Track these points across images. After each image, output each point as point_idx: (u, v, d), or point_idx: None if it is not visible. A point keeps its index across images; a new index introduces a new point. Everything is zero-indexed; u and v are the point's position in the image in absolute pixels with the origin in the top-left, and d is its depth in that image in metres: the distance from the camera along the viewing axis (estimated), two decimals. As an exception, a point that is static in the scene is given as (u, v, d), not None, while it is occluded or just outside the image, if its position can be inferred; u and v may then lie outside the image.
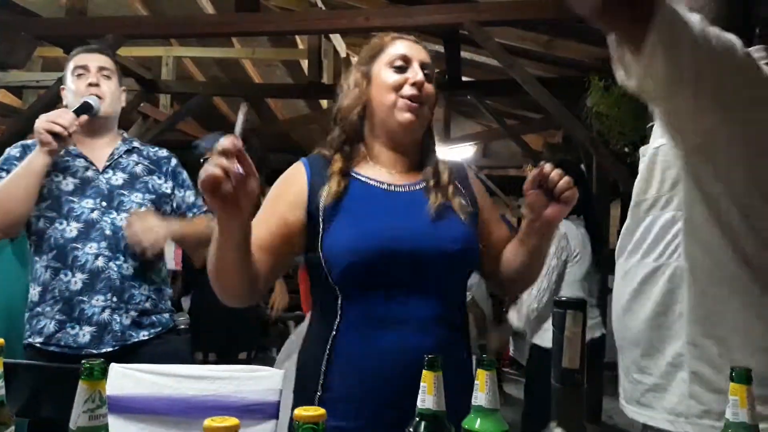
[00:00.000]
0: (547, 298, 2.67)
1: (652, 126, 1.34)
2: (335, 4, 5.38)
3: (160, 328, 1.96)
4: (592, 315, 2.91)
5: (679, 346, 1.18)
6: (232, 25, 4.29)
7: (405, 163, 1.35)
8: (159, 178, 2.03)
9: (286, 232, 1.25)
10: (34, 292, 1.89)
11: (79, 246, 1.85)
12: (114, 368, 1.53)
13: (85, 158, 1.95)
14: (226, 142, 1.00)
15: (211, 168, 0.98)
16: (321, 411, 0.64)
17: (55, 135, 1.78)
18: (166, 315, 2.00)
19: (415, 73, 1.30)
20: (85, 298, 1.83)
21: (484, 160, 9.58)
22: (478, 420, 0.90)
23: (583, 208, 2.99)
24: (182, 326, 2.19)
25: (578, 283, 2.85)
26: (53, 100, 4.22)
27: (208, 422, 0.59)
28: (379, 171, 1.32)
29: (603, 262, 3.01)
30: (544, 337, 2.85)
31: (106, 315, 1.84)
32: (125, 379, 1.55)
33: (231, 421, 0.59)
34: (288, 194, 1.29)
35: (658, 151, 1.23)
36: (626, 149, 3.80)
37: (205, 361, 3.74)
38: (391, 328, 1.20)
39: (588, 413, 0.82)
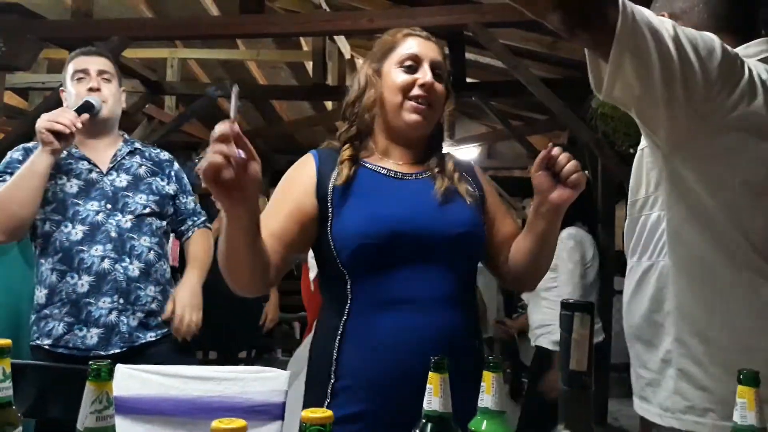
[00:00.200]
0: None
1: None
2: (339, 5, 5.39)
3: (166, 330, 1.97)
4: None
5: (668, 343, 1.20)
6: (237, 26, 4.30)
7: (412, 157, 1.37)
8: (162, 179, 2.05)
9: (300, 218, 1.26)
10: (41, 294, 1.90)
11: (84, 248, 1.86)
12: (120, 369, 1.53)
13: (88, 160, 1.95)
14: (222, 127, 0.98)
15: (211, 156, 0.96)
16: (328, 413, 0.64)
17: (57, 134, 1.77)
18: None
19: (425, 74, 1.30)
20: (92, 300, 1.84)
21: (488, 161, 9.56)
22: (485, 422, 0.90)
23: (586, 213, 3.01)
24: None
25: (591, 288, 2.88)
26: (59, 102, 4.23)
27: (215, 424, 0.59)
28: (386, 162, 1.34)
29: (607, 264, 3.01)
30: (548, 339, 2.86)
31: (113, 317, 1.86)
32: (131, 380, 1.55)
33: (238, 422, 0.59)
34: (298, 182, 1.30)
35: (644, 153, 1.24)
36: (631, 150, 3.78)
37: (205, 360, 3.74)
38: (401, 308, 1.22)
39: (593, 415, 0.82)
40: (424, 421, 0.90)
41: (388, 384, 1.20)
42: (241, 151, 0.98)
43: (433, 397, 0.88)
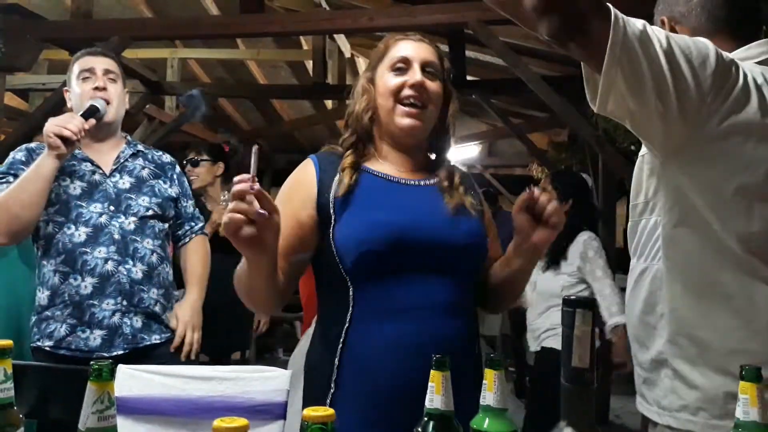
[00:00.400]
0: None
1: None
2: (339, 4, 5.39)
3: (169, 333, 1.98)
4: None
5: (661, 344, 1.22)
6: (237, 26, 4.30)
7: (412, 163, 1.36)
8: (165, 182, 2.05)
9: (300, 233, 1.26)
10: (42, 295, 1.89)
11: (88, 250, 1.86)
12: (121, 369, 1.53)
13: (92, 162, 1.95)
14: (241, 186, 1.00)
15: (231, 214, 0.99)
16: (330, 411, 0.64)
17: (65, 139, 1.77)
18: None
19: (413, 75, 1.29)
20: (95, 302, 1.84)
21: (489, 159, 9.57)
22: (487, 420, 0.90)
23: (589, 220, 3.04)
24: None
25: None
26: (59, 103, 4.23)
27: (217, 422, 0.59)
28: (388, 167, 1.34)
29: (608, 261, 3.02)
30: (551, 337, 2.86)
31: (116, 318, 1.86)
32: (132, 380, 1.55)
33: (240, 421, 0.59)
34: (298, 193, 1.29)
35: (644, 159, 1.26)
36: (632, 148, 3.78)
37: (197, 361, 3.74)
38: (404, 316, 1.21)
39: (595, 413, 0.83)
40: (426, 419, 0.89)
41: (391, 392, 1.19)
42: (260, 209, 1.01)
43: (435, 395, 0.88)
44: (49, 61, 5.68)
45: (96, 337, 1.84)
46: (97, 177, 1.94)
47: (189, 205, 2.14)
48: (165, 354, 1.92)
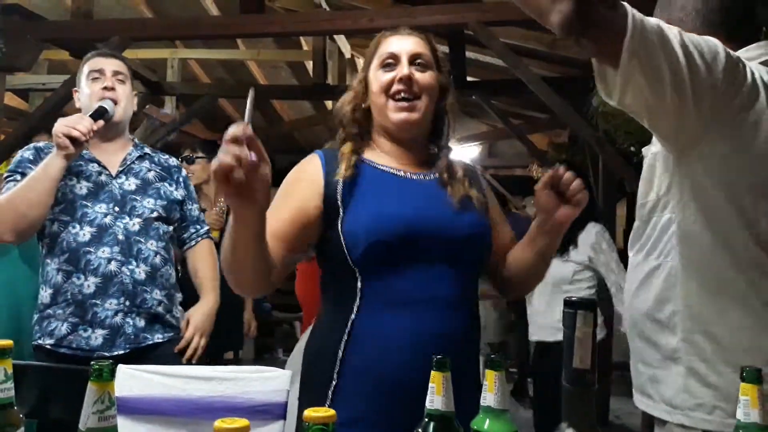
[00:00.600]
0: None
1: None
2: (339, 5, 5.39)
3: (171, 333, 1.99)
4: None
5: (674, 341, 1.21)
6: (237, 26, 4.30)
7: (413, 157, 1.36)
8: (170, 185, 2.07)
9: (304, 221, 1.26)
10: (45, 294, 1.90)
11: (92, 250, 1.87)
12: (122, 369, 1.53)
13: (98, 163, 1.97)
14: (235, 129, 0.98)
15: (223, 156, 0.96)
16: (331, 412, 0.64)
17: (73, 140, 1.79)
18: (178, 318, 2.03)
19: (401, 68, 1.30)
20: (98, 302, 1.85)
21: (489, 159, 9.56)
22: (487, 420, 0.90)
23: (594, 214, 3.05)
24: None
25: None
26: (59, 103, 4.24)
27: (218, 423, 0.59)
28: (390, 161, 1.34)
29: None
30: (546, 334, 2.87)
31: (118, 318, 1.86)
32: (133, 381, 1.55)
33: (241, 422, 0.59)
34: (304, 183, 1.29)
35: (657, 157, 1.26)
36: (632, 148, 3.78)
37: (188, 361, 3.74)
38: (412, 307, 1.22)
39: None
40: (426, 420, 0.89)
41: (395, 384, 1.19)
42: (252, 154, 0.99)
43: (436, 396, 0.88)
44: (49, 61, 5.68)
45: (97, 336, 1.85)
46: (103, 178, 1.96)
47: (194, 208, 2.15)
48: (165, 354, 1.92)
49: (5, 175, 1.94)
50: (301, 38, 5.99)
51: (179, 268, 2.29)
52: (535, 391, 3.24)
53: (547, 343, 2.92)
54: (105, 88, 1.96)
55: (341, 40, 5.96)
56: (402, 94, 1.29)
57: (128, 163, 2.01)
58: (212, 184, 3.35)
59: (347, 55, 6.19)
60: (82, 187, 1.92)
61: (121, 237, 1.90)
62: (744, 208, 1.14)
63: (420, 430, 0.90)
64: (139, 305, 1.90)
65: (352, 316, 1.23)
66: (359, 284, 1.24)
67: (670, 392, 1.22)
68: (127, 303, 1.88)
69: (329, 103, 6.80)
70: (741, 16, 1.28)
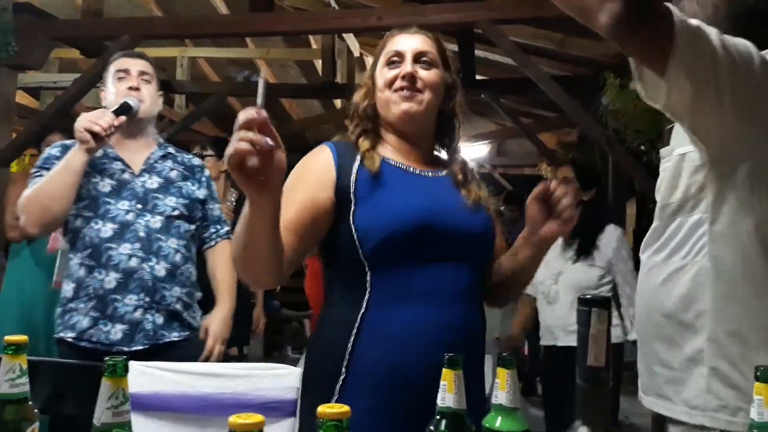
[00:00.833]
0: None
1: (671, 128, 1.35)
2: (348, 3, 5.39)
3: (188, 331, 2.01)
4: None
5: (699, 342, 1.20)
6: (246, 25, 4.31)
7: (419, 155, 1.37)
8: (193, 184, 2.10)
9: (315, 212, 1.25)
10: (68, 288, 1.94)
11: (113, 246, 1.90)
12: (133, 366, 1.54)
13: (122, 161, 2.01)
14: (248, 113, 0.94)
15: (236, 142, 0.93)
16: (345, 408, 0.64)
17: (94, 134, 1.82)
18: (197, 318, 2.06)
19: (405, 65, 1.31)
20: (118, 297, 1.88)
21: (498, 158, 9.55)
22: (499, 419, 0.90)
23: (609, 213, 3.00)
24: None
25: None
26: (70, 101, 4.27)
27: (233, 419, 0.59)
28: (401, 158, 1.34)
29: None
30: (573, 339, 2.81)
31: (138, 314, 1.89)
32: (144, 377, 1.56)
33: (255, 417, 0.60)
34: (315, 174, 1.28)
35: (685, 158, 1.24)
36: (642, 147, 3.77)
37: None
38: (423, 302, 1.22)
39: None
40: (438, 417, 0.89)
41: (405, 378, 1.19)
42: (267, 139, 0.95)
43: (447, 394, 0.88)
44: (59, 59, 5.72)
45: (117, 331, 1.87)
46: (126, 176, 1.99)
47: (216, 208, 2.18)
48: (182, 354, 1.94)
49: (32, 170, 1.98)
50: (310, 37, 6.00)
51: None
52: (546, 391, 3.20)
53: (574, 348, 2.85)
54: (130, 87, 2.00)
55: (350, 39, 5.97)
56: (405, 91, 1.30)
57: (151, 161, 2.04)
58: (221, 182, 3.36)
59: (356, 54, 6.20)
60: (106, 185, 1.96)
61: (142, 234, 1.93)
62: None
63: (432, 427, 0.90)
64: (159, 302, 1.92)
65: (362, 310, 1.22)
66: (369, 278, 1.23)
67: (691, 393, 1.21)
68: (147, 299, 1.90)
69: (338, 102, 6.81)
70: (748, 27, 1.28)
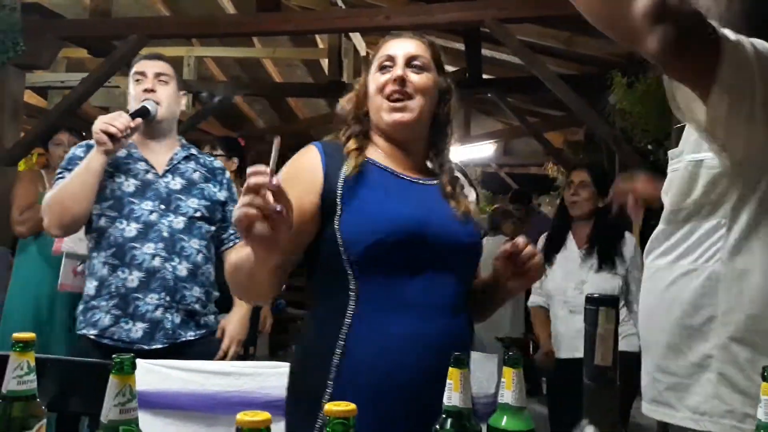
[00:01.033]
0: None
1: (679, 128, 1.33)
2: (355, 2, 5.38)
3: (205, 330, 2.03)
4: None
5: (707, 347, 1.18)
6: (253, 24, 4.32)
7: (411, 161, 1.34)
8: (214, 186, 2.12)
9: (299, 219, 1.18)
10: (91, 285, 1.97)
11: (137, 245, 1.93)
12: (140, 364, 1.54)
13: (146, 161, 2.04)
14: (259, 179, 0.92)
15: (245, 207, 0.93)
16: (352, 406, 0.64)
17: (111, 136, 1.86)
18: (212, 317, 2.08)
19: (396, 69, 1.29)
20: (140, 296, 1.91)
21: (505, 158, 9.53)
22: (505, 418, 0.90)
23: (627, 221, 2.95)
24: None
25: None
26: (78, 101, 4.28)
27: (240, 416, 0.59)
28: (392, 164, 1.31)
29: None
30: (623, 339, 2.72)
31: (158, 313, 1.92)
32: (151, 375, 1.57)
33: (263, 415, 0.60)
34: (301, 178, 1.24)
35: (702, 164, 1.22)
36: (649, 146, 3.75)
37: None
38: (411, 311, 1.19)
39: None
40: (444, 416, 0.89)
41: (393, 389, 1.16)
42: (277, 206, 0.94)
43: (453, 393, 0.88)
44: (67, 59, 5.74)
45: (138, 329, 1.90)
46: (150, 176, 2.02)
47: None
48: (200, 352, 1.97)
49: (57, 171, 2.02)
50: (317, 36, 6.00)
51: None
52: (550, 391, 3.16)
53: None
54: (146, 90, 2.03)
55: (357, 38, 5.96)
56: (395, 96, 1.28)
57: (175, 162, 2.07)
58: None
59: (362, 53, 6.19)
60: (130, 185, 1.99)
61: (165, 234, 1.96)
62: None
63: (438, 426, 0.90)
64: (179, 301, 1.95)
65: (347, 320, 1.19)
66: (353, 286, 1.19)
67: (697, 399, 1.19)
68: (167, 298, 1.93)
69: (344, 101, 6.80)
70: (763, 22, 1.26)
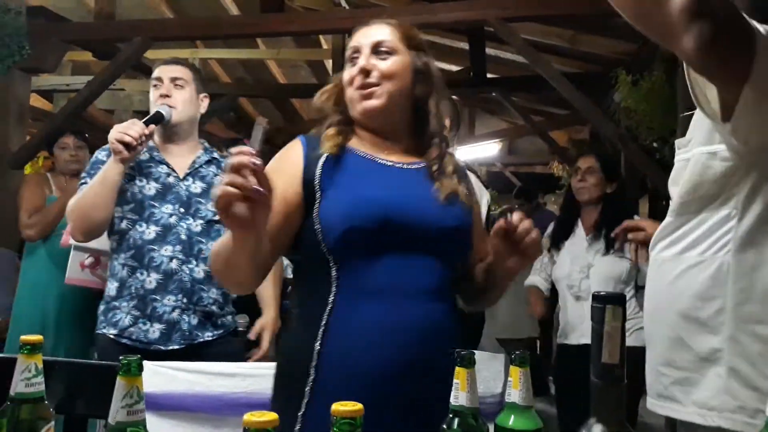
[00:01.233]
0: None
1: (685, 116, 1.32)
2: (359, 3, 5.39)
3: (222, 330, 2.05)
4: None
5: (716, 341, 1.16)
6: (257, 25, 4.33)
7: (396, 147, 1.32)
8: None
9: (285, 210, 1.21)
10: (112, 286, 2.01)
11: (155, 248, 1.96)
12: (147, 365, 1.55)
13: (167, 165, 2.06)
14: (242, 159, 0.94)
15: (225, 186, 0.94)
16: (359, 406, 0.64)
17: (126, 144, 1.88)
18: (229, 317, 2.10)
19: (359, 60, 1.29)
20: (157, 297, 1.94)
21: (509, 157, 9.51)
22: (512, 417, 0.90)
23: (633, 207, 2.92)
24: (241, 329, 2.31)
25: None
26: (83, 104, 4.30)
27: (247, 417, 0.59)
28: (377, 151, 1.31)
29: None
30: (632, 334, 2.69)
31: (175, 314, 1.94)
32: (158, 377, 1.57)
33: (270, 415, 0.60)
34: (284, 169, 1.25)
35: (716, 156, 1.19)
36: (655, 144, 3.74)
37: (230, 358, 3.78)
38: (387, 297, 1.18)
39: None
40: (450, 416, 0.89)
41: (374, 376, 1.15)
42: (257, 186, 0.95)
43: (460, 392, 0.88)
44: (72, 62, 5.76)
45: (155, 330, 1.93)
46: (171, 179, 2.04)
47: None
48: (217, 352, 1.98)
49: (82, 175, 2.06)
50: (321, 37, 6.01)
51: None
52: (561, 390, 3.12)
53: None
54: (162, 95, 2.06)
55: (360, 39, 5.96)
56: (362, 88, 1.27)
57: (196, 166, 2.09)
58: None
59: (366, 54, 6.19)
60: (151, 188, 2.02)
61: (183, 237, 1.98)
62: None
63: (444, 426, 0.90)
64: (196, 303, 1.97)
65: (329, 307, 1.18)
66: (334, 273, 1.19)
67: (705, 394, 1.17)
68: (185, 300, 1.95)
69: (348, 102, 6.80)
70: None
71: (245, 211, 0.96)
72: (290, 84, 6.90)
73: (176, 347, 1.92)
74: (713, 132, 1.18)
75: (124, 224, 1.99)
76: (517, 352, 0.91)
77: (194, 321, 1.96)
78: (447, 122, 1.46)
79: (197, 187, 2.06)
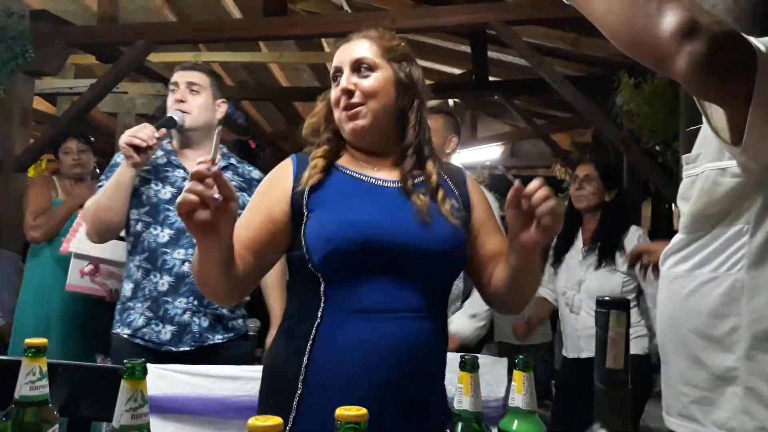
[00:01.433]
0: None
1: (690, 131, 1.30)
2: (361, 6, 5.40)
3: (233, 334, 2.07)
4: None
5: (731, 360, 1.13)
6: (260, 29, 4.33)
7: (389, 164, 1.32)
8: (249, 196, 2.13)
9: (272, 229, 1.24)
10: (127, 287, 2.05)
11: (168, 251, 1.99)
12: (150, 369, 1.55)
13: (184, 169, 2.09)
14: (200, 166, 1.00)
15: (186, 194, 0.99)
16: (363, 410, 0.64)
17: (136, 148, 1.92)
18: (240, 320, 2.12)
19: (341, 81, 1.29)
20: (169, 299, 1.97)
21: (512, 160, 9.52)
22: (516, 421, 0.90)
23: (630, 214, 2.90)
24: (252, 332, 2.31)
25: None
26: (86, 107, 4.31)
27: (252, 421, 0.60)
28: (365, 169, 1.31)
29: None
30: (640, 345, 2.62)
31: (186, 316, 1.97)
32: (162, 380, 1.57)
33: (275, 419, 0.60)
34: (274, 189, 1.28)
35: (726, 172, 1.16)
36: (657, 148, 3.74)
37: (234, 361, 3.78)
38: (374, 317, 1.18)
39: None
40: (454, 420, 0.89)
41: (355, 393, 1.14)
42: (216, 194, 1.00)
43: (464, 397, 0.88)
44: (75, 65, 5.77)
45: (167, 331, 1.96)
46: (186, 184, 2.03)
47: None
48: (227, 355, 2.00)
49: (101, 177, 2.10)
50: (323, 40, 6.02)
51: None
52: (561, 402, 3.07)
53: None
54: (177, 100, 2.09)
55: (363, 42, 5.96)
56: (347, 108, 1.28)
57: None
58: None
59: (369, 57, 6.19)
60: (166, 192, 2.04)
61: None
62: None
63: (448, 430, 0.90)
64: (206, 305, 1.99)
65: (317, 321, 1.20)
66: (323, 289, 1.21)
67: (724, 414, 1.14)
68: (195, 302, 1.98)
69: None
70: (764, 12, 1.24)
71: (207, 217, 1.01)
72: (293, 87, 6.91)
73: (187, 349, 1.95)
74: (722, 148, 1.15)
75: (139, 227, 2.03)
76: (520, 357, 0.91)
77: (205, 323, 1.98)
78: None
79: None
